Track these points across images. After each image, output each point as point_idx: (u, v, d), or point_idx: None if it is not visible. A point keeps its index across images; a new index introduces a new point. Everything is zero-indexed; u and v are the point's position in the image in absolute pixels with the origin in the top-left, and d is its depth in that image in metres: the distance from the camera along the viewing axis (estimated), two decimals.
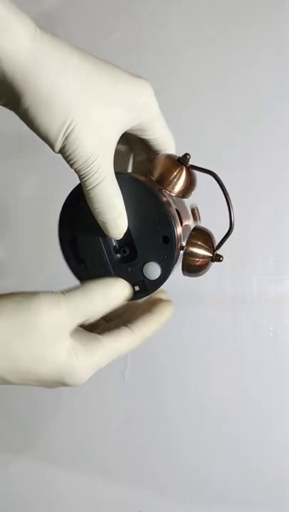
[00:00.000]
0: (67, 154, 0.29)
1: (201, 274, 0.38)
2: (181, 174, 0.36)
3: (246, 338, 0.60)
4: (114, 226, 0.31)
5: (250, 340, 0.60)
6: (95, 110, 0.28)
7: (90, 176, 0.29)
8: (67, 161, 0.29)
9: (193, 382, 0.60)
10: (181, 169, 0.36)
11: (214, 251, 0.38)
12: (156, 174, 0.35)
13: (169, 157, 0.36)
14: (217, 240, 0.38)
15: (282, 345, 0.60)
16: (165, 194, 0.35)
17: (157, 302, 0.37)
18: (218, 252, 0.38)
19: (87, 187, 0.30)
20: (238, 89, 0.61)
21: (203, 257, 0.37)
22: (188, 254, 0.36)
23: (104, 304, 0.31)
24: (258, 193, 0.60)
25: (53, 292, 0.30)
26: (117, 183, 0.31)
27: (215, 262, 0.38)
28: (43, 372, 0.29)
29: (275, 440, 0.60)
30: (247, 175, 0.60)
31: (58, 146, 0.28)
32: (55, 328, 0.29)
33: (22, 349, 0.28)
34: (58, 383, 0.31)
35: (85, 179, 0.29)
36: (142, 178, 0.34)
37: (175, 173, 0.36)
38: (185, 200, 0.39)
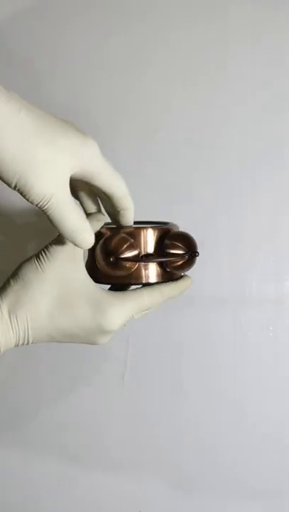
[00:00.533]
0: (25, 197, 0.33)
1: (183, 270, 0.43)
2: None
3: (246, 338, 0.60)
4: (82, 242, 0.35)
5: (250, 340, 0.60)
6: (41, 157, 0.32)
7: (50, 210, 0.33)
8: (27, 200, 0.33)
9: (193, 383, 0.60)
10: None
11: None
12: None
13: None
14: None
15: (282, 345, 0.60)
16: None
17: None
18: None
19: (52, 219, 0.34)
20: (238, 89, 0.61)
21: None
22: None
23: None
24: (257, 193, 0.60)
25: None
26: (77, 208, 0.35)
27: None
28: (80, 320, 0.36)
29: (275, 440, 0.61)
30: (247, 175, 0.61)
31: (16, 190, 0.33)
32: (73, 268, 0.38)
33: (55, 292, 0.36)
34: (96, 329, 0.36)
35: (47, 214, 0.33)
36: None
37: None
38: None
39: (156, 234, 0.41)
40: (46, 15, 0.61)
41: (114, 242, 0.38)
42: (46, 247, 0.37)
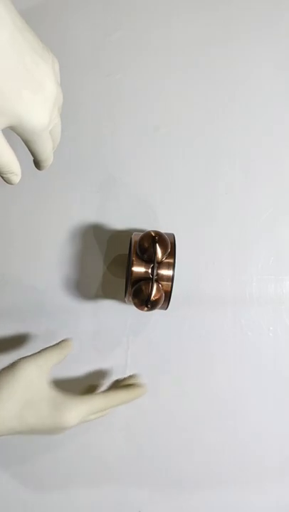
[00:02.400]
0: None
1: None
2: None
3: (246, 338, 0.60)
4: (8, 180, 0.38)
5: (250, 340, 0.60)
6: None
7: None
8: None
9: (193, 383, 0.60)
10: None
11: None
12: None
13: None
14: None
15: (282, 345, 0.60)
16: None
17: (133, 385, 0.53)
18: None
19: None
20: (238, 88, 0.61)
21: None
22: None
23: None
24: (257, 193, 0.60)
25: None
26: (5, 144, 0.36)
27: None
28: (44, 415, 0.44)
29: (275, 440, 0.61)
30: (247, 175, 0.61)
31: None
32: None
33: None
34: (54, 426, 0.45)
35: None
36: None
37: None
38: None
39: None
40: (47, 10, 0.61)
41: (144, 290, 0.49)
42: (17, 360, 0.45)
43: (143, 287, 0.49)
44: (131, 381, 0.53)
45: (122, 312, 0.60)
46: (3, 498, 0.62)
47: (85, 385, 0.60)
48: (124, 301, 0.58)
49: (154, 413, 0.61)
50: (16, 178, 0.38)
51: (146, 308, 0.49)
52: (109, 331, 0.60)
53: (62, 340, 0.51)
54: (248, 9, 0.61)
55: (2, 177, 0.38)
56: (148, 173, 0.61)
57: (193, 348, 0.60)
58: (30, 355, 0.46)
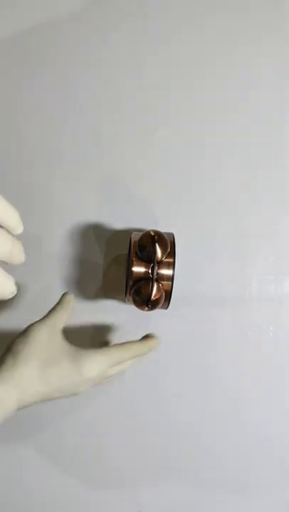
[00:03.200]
0: None
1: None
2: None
3: (246, 338, 0.60)
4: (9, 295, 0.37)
5: (250, 340, 0.60)
6: None
7: None
8: None
9: (193, 382, 0.60)
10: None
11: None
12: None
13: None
14: None
15: (282, 345, 0.60)
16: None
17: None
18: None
19: None
20: (239, 89, 0.61)
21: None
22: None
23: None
24: (257, 193, 0.60)
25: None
26: None
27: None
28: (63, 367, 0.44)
29: (275, 440, 0.61)
30: (247, 175, 0.61)
31: None
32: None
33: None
34: (74, 375, 0.44)
35: None
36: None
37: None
38: None
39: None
40: (46, 12, 0.61)
41: (144, 290, 0.49)
42: (28, 325, 0.46)
43: (143, 287, 0.49)
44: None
45: (122, 312, 0.60)
46: (3, 498, 0.62)
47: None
48: (124, 301, 0.58)
49: (154, 413, 0.60)
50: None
51: (146, 308, 0.49)
52: (110, 330, 0.60)
53: (63, 296, 0.50)
54: (249, 11, 0.61)
55: None
56: (148, 173, 0.61)
57: (193, 347, 0.60)
58: (39, 319, 0.47)
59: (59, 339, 0.46)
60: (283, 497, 0.61)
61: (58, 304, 0.50)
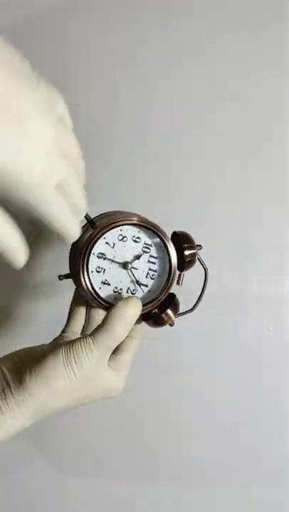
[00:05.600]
0: None
1: (157, 327, 0.46)
2: (194, 255, 0.44)
3: (246, 338, 0.60)
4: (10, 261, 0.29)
5: (250, 340, 0.60)
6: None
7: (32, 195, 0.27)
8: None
9: (193, 382, 0.60)
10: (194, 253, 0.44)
11: (175, 318, 0.45)
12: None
13: (189, 236, 0.45)
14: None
15: (282, 345, 0.60)
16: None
17: None
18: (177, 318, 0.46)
19: (37, 209, 0.28)
20: (239, 89, 0.61)
21: (168, 319, 0.45)
22: (164, 314, 0.45)
23: (125, 331, 0.39)
24: (258, 193, 0.60)
25: (84, 339, 0.38)
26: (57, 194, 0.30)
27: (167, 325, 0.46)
28: (96, 398, 0.40)
29: (275, 440, 0.61)
30: (247, 175, 0.61)
31: None
32: (96, 369, 0.38)
33: (81, 390, 0.38)
34: (106, 398, 0.42)
35: (31, 204, 0.28)
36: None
37: (190, 252, 0.44)
38: None
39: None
40: (46, 13, 0.61)
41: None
42: (76, 350, 0.38)
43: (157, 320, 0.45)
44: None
45: None
46: (3, 498, 0.62)
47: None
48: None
49: (154, 413, 0.61)
50: (19, 258, 0.29)
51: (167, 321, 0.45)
52: None
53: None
54: (250, 12, 0.61)
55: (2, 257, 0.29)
56: (148, 172, 0.61)
57: (193, 347, 0.60)
58: (86, 341, 0.38)
59: (103, 369, 0.40)
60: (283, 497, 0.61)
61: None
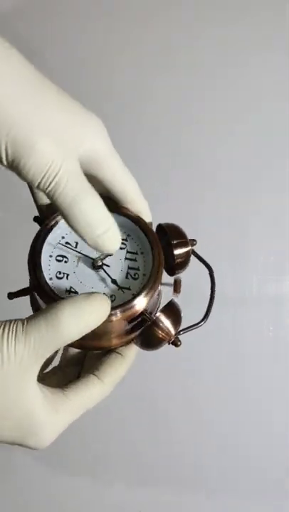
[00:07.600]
0: (20, 166, 0.23)
1: (151, 349, 0.35)
2: (187, 254, 0.35)
3: (246, 338, 0.60)
4: (107, 242, 0.26)
5: (250, 340, 0.60)
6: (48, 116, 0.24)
7: (60, 189, 0.23)
8: (23, 177, 0.23)
9: (193, 382, 0.60)
10: (188, 250, 0.36)
11: (176, 334, 0.34)
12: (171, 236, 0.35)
13: (180, 230, 0.36)
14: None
15: (282, 345, 0.60)
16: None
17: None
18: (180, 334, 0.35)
19: (60, 204, 0.24)
20: (239, 89, 0.61)
21: (165, 334, 0.34)
22: (154, 325, 0.33)
23: (77, 328, 0.25)
24: (258, 193, 0.60)
25: (10, 322, 0.24)
26: (96, 194, 0.25)
27: (171, 344, 0.35)
28: (1, 427, 0.24)
29: (275, 440, 0.60)
30: (247, 175, 0.61)
31: (5, 161, 0.22)
32: (17, 371, 0.23)
33: None
34: (16, 443, 0.26)
35: (54, 196, 0.24)
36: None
37: (183, 250, 0.35)
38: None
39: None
40: (54, 9, 0.61)
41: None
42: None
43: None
44: None
45: None
46: (3, 498, 0.62)
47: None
48: None
49: (154, 413, 0.60)
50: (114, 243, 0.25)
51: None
52: None
53: None
54: (251, 12, 0.61)
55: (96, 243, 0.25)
56: (148, 172, 0.61)
57: (193, 347, 0.60)
58: (13, 325, 0.25)
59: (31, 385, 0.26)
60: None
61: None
